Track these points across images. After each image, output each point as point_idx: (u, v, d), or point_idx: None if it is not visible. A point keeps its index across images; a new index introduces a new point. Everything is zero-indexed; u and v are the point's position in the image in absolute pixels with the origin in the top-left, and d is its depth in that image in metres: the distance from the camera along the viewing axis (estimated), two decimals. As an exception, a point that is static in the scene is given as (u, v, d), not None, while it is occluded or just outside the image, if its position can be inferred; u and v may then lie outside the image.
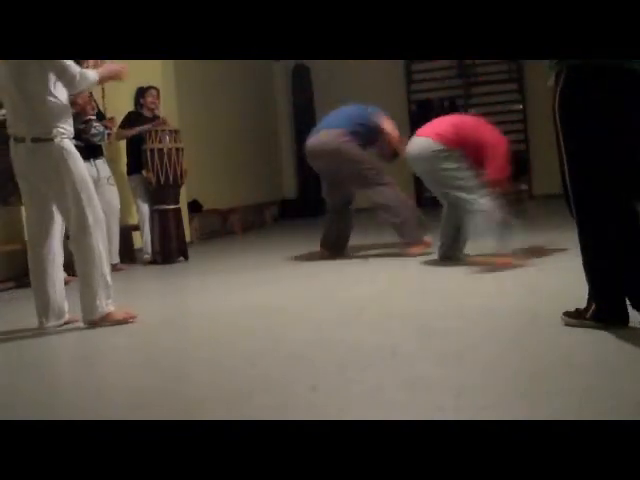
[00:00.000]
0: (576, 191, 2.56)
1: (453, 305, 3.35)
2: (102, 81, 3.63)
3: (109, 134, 5.82)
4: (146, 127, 6.02)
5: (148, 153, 6.01)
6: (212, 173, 8.67)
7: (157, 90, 6.37)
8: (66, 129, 3.43)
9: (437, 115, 4.89)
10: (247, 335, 3.11)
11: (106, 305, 3.44)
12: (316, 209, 10.59)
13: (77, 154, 3.45)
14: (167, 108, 7.01)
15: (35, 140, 3.34)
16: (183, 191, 6.76)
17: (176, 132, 6.21)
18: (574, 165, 2.55)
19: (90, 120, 5.43)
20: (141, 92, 6.26)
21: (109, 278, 3.47)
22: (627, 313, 2.52)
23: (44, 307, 3.50)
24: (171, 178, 6.08)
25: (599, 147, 2.51)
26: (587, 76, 2.49)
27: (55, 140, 3.36)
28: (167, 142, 6.05)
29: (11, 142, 3.43)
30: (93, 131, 5.44)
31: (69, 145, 3.43)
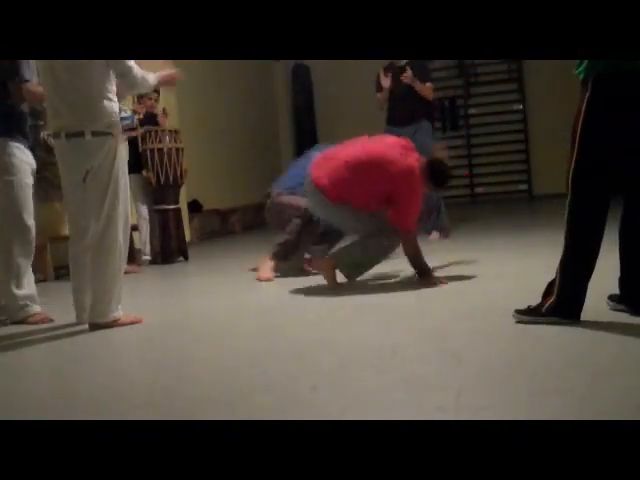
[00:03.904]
0: (578, 191, 2.62)
1: (453, 305, 3.35)
2: (158, 86, 3.65)
3: (139, 119, 5.87)
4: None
5: (148, 153, 6.01)
6: (212, 173, 8.68)
7: (157, 92, 6.37)
8: (119, 125, 3.48)
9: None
10: (247, 335, 3.11)
11: (116, 310, 3.43)
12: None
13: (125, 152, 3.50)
14: (167, 108, 7.01)
15: (96, 134, 3.35)
16: (183, 191, 6.77)
17: (176, 132, 6.21)
18: (584, 168, 2.61)
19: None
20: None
21: (122, 282, 3.47)
22: (580, 312, 2.67)
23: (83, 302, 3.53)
24: (171, 178, 6.09)
25: (615, 155, 2.61)
26: (615, 83, 2.55)
27: (114, 134, 3.41)
28: (167, 142, 6.05)
29: (60, 138, 3.41)
30: (122, 114, 5.44)
31: (122, 141, 3.50)
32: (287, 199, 4.78)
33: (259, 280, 4.55)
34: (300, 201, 4.66)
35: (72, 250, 3.58)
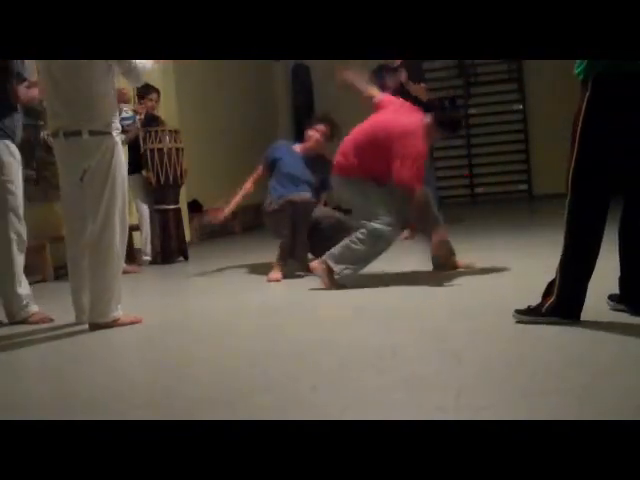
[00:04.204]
0: (578, 191, 2.62)
1: (453, 305, 3.35)
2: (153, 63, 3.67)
3: (140, 119, 5.88)
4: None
5: (148, 153, 6.01)
6: (212, 173, 8.67)
7: (157, 92, 6.37)
8: (118, 125, 3.48)
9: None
10: (247, 335, 3.11)
11: (116, 310, 3.43)
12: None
13: (122, 151, 3.49)
14: (167, 108, 7.02)
15: (93, 133, 3.34)
16: (183, 191, 6.76)
17: (176, 132, 6.21)
18: (584, 168, 2.60)
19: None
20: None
21: (121, 281, 3.47)
22: (580, 312, 2.67)
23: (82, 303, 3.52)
24: (171, 178, 6.08)
25: (615, 155, 2.61)
26: (614, 83, 2.55)
27: (113, 134, 3.40)
28: (167, 142, 6.05)
29: (58, 137, 3.41)
30: (123, 114, 5.45)
31: (120, 141, 3.48)
32: (276, 205, 4.82)
33: (268, 281, 4.56)
34: (288, 198, 4.71)
35: (70, 251, 3.58)
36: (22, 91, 3.78)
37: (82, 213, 3.46)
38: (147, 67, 3.51)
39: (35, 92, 3.81)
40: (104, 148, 3.37)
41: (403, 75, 6.01)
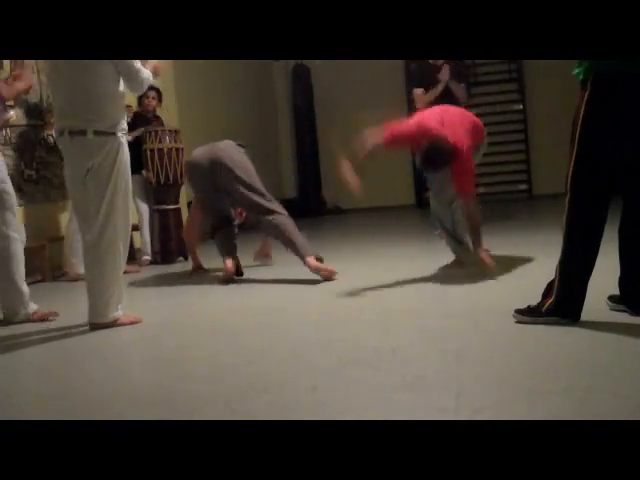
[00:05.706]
0: (577, 191, 2.62)
1: (453, 305, 3.35)
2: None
3: (134, 113, 5.91)
4: (141, 129, 6.03)
5: (148, 153, 6.01)
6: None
7: (156, 91, 6.36)
8: (124, 126, 3.47)
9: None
10: (247, 335, 3.11)
11: (116, 310, 3.43)
12: (316, 209, 10.60)
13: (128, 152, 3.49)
14: (167, 108, 7.01)
15: (98, 134, 3.34)
16: (183, 191, 6.76)
17: (176, 132, 6.21)
18: (583, 168, 2.60)
19: None
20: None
21: (122, 282, 3.47)
22: (580, 312, 2.68)
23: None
24: (171, 178, 6.09)
25: (614, 154, 2.60)
26: (613, 83, 2.55)
27: (118, 134, 3.40)
28: (167, 142, 6.05)
29: (63, 136, 3.40)
30: None
31: (125, 141, 3.47)
32: None
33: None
34: None
35: (84, 239, 3.47)
36: (3, 88, 3.76)
37: (86, 211, 3.46)
38: (150, 80, 3.50)
39: (20, 85, 3.78)
40: (108, 148, 3.37)
41: (446, 73, 5.99)
